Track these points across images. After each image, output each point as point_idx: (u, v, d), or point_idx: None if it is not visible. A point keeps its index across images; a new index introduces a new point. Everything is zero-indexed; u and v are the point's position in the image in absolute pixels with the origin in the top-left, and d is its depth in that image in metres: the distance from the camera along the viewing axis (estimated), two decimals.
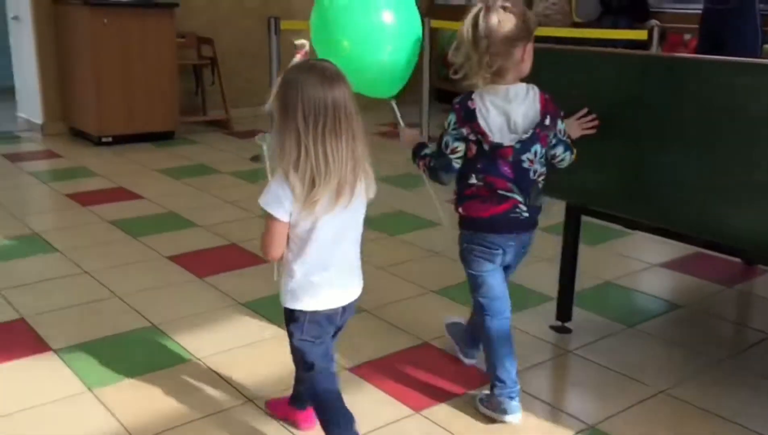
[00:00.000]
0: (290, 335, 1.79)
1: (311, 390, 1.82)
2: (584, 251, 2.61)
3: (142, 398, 2.11)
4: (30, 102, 5.76)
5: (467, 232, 2.03)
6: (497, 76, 1.89)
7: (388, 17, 2.21)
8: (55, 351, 2.36)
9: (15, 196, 4.17)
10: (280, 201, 1.64)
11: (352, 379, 2.23)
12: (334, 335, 1.85)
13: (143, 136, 5.41)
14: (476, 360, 2.31)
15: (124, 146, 5.28)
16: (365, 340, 2.46)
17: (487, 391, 2.05)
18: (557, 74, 2.22)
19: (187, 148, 5.37)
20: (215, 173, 4.71)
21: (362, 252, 1.82)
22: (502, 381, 2.01)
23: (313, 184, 1.60)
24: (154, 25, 5.30)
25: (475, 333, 2.22)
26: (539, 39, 2.02)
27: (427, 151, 2.07)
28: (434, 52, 5.93)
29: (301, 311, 1.74)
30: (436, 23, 5.48)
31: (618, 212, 2.31)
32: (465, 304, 2.44)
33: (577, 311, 2.60)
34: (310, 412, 1.89)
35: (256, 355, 2.37)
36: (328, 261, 1.71)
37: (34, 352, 2.35)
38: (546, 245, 2.66)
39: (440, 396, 2.15)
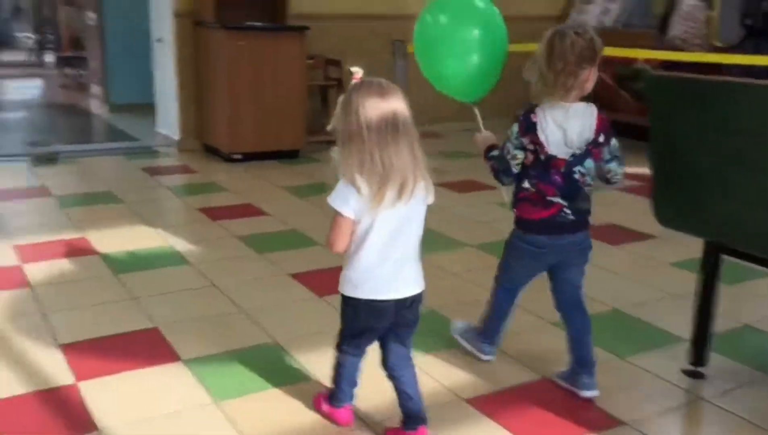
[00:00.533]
0: (343, 327, 2.01)
1: (336, 367, 2.09)
2: (720, 290, 2.44)
3: (264, 413, 2.16)
4: (168, 119, 6.12)
5: (519, 230, 2.26)
6: (564, 93, 2.09)
7: (476, 33, 2.46)
8: (185, 361, 2.46)
9: (152, 208, 4.43)
10: (346, 199, 1.83)
11: (471, 412, 2.19)
12: (399, 335, 1.99)
13: (271, 153, 5.62)
14: (494, 356, 2.44)
15: (252, 163, 5.49)
16: (483, 372, 2.41)
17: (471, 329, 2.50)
18: (691, 106, 2.10)
19: (311, 167, 5.51)
20: None
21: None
22: (487, 331, 2.43)
23: (377, 184, 1.80)
24: (286, 47, 5.51)
25: (487, 326, 2.45)
26: (677, 65, 1.94)
27: (494, 153, 2.30)
28: None
29: (357, 299, 1.91)
30: None
31: (762, 253, 2.15)
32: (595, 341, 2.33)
33: (711, 355, 2.44)
34: (348, 410, 2.12)
35: (375, 377, 2.37)
36: (386, 255, 1.88)
37: (165, 361, 2.47)
38: (674, 281, 2.52)
39: None
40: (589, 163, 2.13)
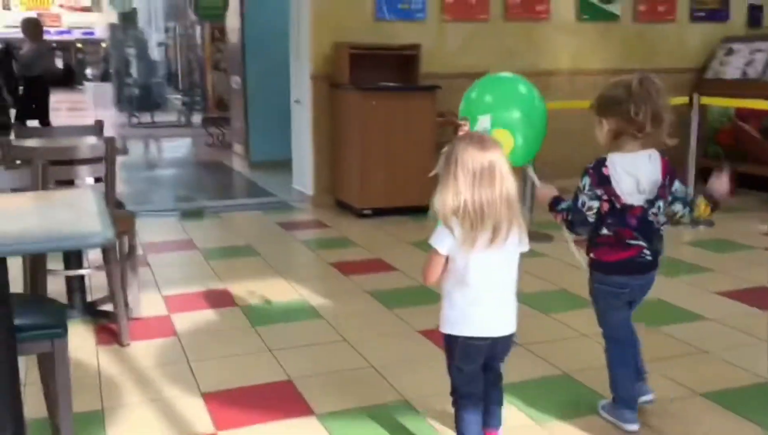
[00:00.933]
0: (447, 360, 2.18)
1: (455, 411, 2.18)
2: None
3: None
4: (303, 175, 6.39)
5: (599, 273, 2.36)
6: (643, 141, 2.23)
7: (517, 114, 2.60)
8: (318, 416, 2.52)
9: (287, 261, 4.61)
10: (441, 239, 2.03)
11: None
12: (490, 366, 2.17)
13: (400, 209, 5.72)
14: (638, 424, 2.36)
15: (382, 219, 5.61)
16: None
17: (610, 401, 2.43)
18: None
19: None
20: None
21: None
22: (621, 397, 2.36)
23: (471, 227, 1.96)
24: (417, 106, 5.64)
25: (619, 390, 2.40)
26: None
27: (563, 205, 2.37)
28: (702, 130, 5.56)
29: (455, 337, 2.08)
30: (705, 99, 5.15)
31: None
32: (746, 415, 2.17)
33: None
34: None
35: None
36: (481, 295, 2.04)
37: (299, 414, 2.53)
38: None
39: None
40: (660, 203, 2.27)
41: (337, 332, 3.31)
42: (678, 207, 2.30)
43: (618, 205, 2.24)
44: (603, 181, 2.24)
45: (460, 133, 2.53)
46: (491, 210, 1.95)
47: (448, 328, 2.10)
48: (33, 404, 2.29)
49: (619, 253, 2.28)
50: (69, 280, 3.38)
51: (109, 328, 3.30)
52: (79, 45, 32.50)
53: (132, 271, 3.46)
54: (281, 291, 3.92)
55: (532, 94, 2.68)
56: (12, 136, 3.53)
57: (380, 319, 3.50)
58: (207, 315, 3.55)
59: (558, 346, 3.14)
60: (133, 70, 16.34)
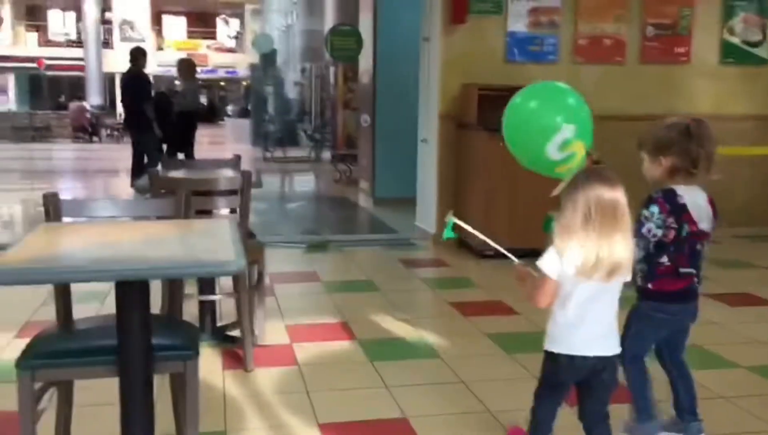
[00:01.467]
0: (542, 376, 2.24)
1: (533, 413, 2.29)
2: None
3: None
4: (426, 213, 6.43)
5: (655, 302, 2.46)
6: (695, 176, 2.41)
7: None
8: None
9: (407, 299, 4.63)
10: (554, 266, 2.06)
11: None
12: (595, 395, 2.18)
13: (523, 251, 5.60)
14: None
15: (504, 260, 5.50)
16: None
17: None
18: None
19: None
20: None
21: None
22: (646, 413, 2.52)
23: (590, 266, 2.01)
24: None
25: (639, 406, 2.56)
26: None
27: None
28: None
29: (557, 354, 2.13)
30: None
31: None
32: None
33: None
34: None
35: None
36: (584, 316, 2.09)
37: None
38: None
39: None
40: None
41: (455, 373, 3.27)
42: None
43: (685, 233, 2.39)
44: (677, 209, 2.38)
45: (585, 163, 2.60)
46: (609, 253, 2.00)
47: (549, 345, 2.17)
48: (163, 421, 2.41)
49: (677, 283, 2.44)
50: (202, 305, 3.56)
51: (235, 352, 3.44)
52: (222, 83, 34.64)
53: (259, 299, 3.60)
54: (399, 328, 3.94)
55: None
56: (160, 168, 3.79)
57: (499, 363, 3.43)
58: (327, 347, 3.62)
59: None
60: (270, 108, 17.19)
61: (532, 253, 5.96)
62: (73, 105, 22.56)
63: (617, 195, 2.02)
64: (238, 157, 4.05)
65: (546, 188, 6.13)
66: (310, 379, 3.18)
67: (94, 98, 27.04)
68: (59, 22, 34.40)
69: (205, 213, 3.31)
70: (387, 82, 8.24)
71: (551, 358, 2.16)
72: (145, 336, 1.83)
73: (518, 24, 5.99)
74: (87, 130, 21.19)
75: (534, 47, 6.04)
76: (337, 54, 9.85)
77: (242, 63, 31.55)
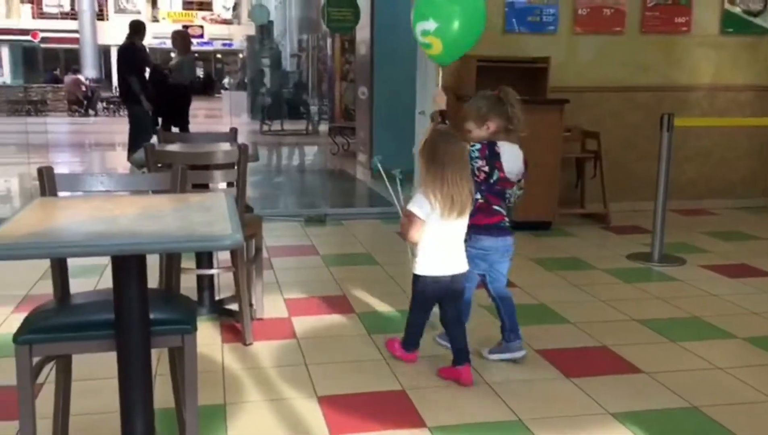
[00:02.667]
0: (413, 295, 2.94)
1: (408, 324, 3.04)
2: None
3: None
4: None
5: (472, 235, 2.94)
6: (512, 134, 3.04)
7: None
8: (430, 428, 2.50)
9: (405, 271, 4.54)
10: (422, 207, 2.71)
11: None
12: (451, 302, 2.90)
13: (522, 224, 5.60)
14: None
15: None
16: None
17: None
18: None
19: (563, 240, 5.40)
20: (589, 268, 4.65)
21: None
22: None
23: (452, 201, 2.67)
24: (543, 119, 5.51)
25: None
26: None
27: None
28: None
29: (424, 276, 2.83)
30: None
31: None
32: None
33: None
34: (415, 354, 3.07)
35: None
36: (441, 247, 2.78)
37: (411, 425, 2.53)
38: None
39: None
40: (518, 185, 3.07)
41: None
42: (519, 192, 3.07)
43: (496, 178, 2.93)
44: (492, 156, 2.93)
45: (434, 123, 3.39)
46: (462, 189, 2.67)
47: (418, 270, 2.84)
48: (161, 395, 2.42)
49: (490, 217, 2.97)
50: (200, 279, 3.55)
51: (233, 326, 3.44)
52: (218, 55, 34.34)
53: (257, 273, 3.59)
54: (398, 300, 3.94)
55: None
56: (155, 141, 3.76)
57: (496, 334, 3.42)
58: (325, 320, 3.63)
59: (687, 377, 2.96)
60: (267, 80, 17.06)
61: (530, 226, 5.98)
62: (68, 78, 22.38)
63: (462, 149, 2.71)
64: (234, 131, 4.01)
65: (546, 163, 6.13)
66: (309, 352, 3.19)
67: (89, 71, 26.84)
68: None
69: (202, 187, 3.29)
70: (385, 54, 8.17)
71: (420, 279, 2.85)
72: (143, 310, 1.83)
73: None
74: (82, 103, 21.05)
75: (533, 18, 5.97)
76: (333, 25, 9.74)
77: (239, 35, 31.26)
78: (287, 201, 7.41)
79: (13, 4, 32.41)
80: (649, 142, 5.21)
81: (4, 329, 3.42)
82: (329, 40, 13.88)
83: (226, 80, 29.22)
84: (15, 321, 3.46)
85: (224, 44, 34.24)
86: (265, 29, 17.07)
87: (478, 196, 2.90)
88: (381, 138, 8.39)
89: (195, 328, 1.96)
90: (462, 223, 2.77)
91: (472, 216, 2.84)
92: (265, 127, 14.96)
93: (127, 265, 1.73)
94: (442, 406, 2.67)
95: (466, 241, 2.89)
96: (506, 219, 3.03)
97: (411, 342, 3.03)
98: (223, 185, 3.47)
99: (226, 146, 3.61)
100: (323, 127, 14.03)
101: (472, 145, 2.91)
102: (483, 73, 5.62)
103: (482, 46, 5.79)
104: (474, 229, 2.92)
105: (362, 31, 9.00)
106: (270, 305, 3.72)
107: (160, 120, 8.43)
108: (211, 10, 35.98)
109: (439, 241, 2.76)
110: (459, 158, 2.67)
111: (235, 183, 3.25)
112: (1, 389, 2.67)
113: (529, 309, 3.82)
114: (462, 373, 2.85)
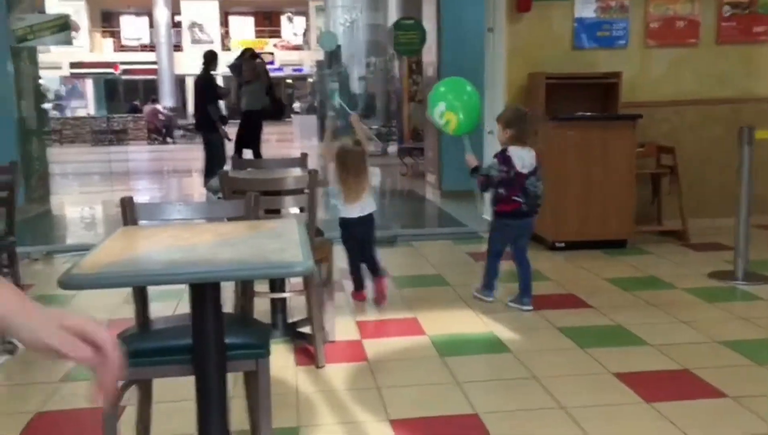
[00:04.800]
0: (342, 238, 4.26)
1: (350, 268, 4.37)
2: None
3: None
4: None
5: (498, 218, 4.10)
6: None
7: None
8: None
9: None
10: (340, 199, 4.12)
11: None
12: (364, 244, 4.24)
13: (595, 243, 5.50)
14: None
15: (575, 252, 5.42)
16: None
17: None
18: None
19: (639, 259, 5.25)
20: (668, 288, 4.50)
21: None
22: (489, 285, 4.29)
23: (350, 196, 4.07)
24: (616, 136, 5.42)
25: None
26: None
27: (481, 171, 4.06)
28: None
29: (342, 217, 4.12)
30: None
31: None
32: None
33: None
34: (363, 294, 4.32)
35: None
36: (352, 212, 4.11)
37: None
38: None
39: None
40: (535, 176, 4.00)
41: (527, 368, 3.23)
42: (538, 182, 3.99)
43: (514, 173, 3.91)
44: (506, 160, 3.92)
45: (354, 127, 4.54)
46: (353, 187, 4.07)
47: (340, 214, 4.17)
48: (237, 417, 2.47)
49: (510, 205, 3.97)
50: (273, 302, 3.62)
51: (306, 349, 3.48)
52: (288, 81, 35.10)
53: (329, 296, 3.63)
54: (469, 322, 3.92)
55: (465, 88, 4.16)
56: (229, 168, 3.87)
57: (572, 358, 3.36)
58: (397, 342, 3.63)
59: None
60: (336, 103, 17.32)
61: (603, 245, 5.85)
62: (148, 107, 23.30)
63: (361, 154, 4.13)
64: (305, 156, 4.09)
65: (619, 180, 5.99)
66: (381, 375, 3.19)
67: (166, 100, 27.89)
68: (132, 28, 35.57)
69: (274, 212, 3.36)
70: (452, 74, 8.16)
71: (341, 222, 4.15)
72: (219, 336, 1.88)
73: (586, 9, 5.85)
74: (161, 131, 21.86)
75: (603, 33, 5.88)
76: (401, 48, 9.85)
77: (308, 60, 31.91)
78: None
79: (95, 38, 34.08)
80: (729, 156, 5.02)
81: None
82: (397, 62, 14.01)
83: (296, 104, 29.81)
84: None
85: (294, 69, 35.00)
86: (333, 54, 17.39)
87: (502, 190, 3.95)
88: (449, 158, 8.37)
89: (268, 353, 2.00)
90: (367, 206, 4.16)
91: (496, 204, 4.03)
92: None
93: (204, 292, 1.78)
94: (515, 432, 2.63)
95: (493, 222, 4.19)
96: (525, 206, 3.95)
97: (356, 283, 4.33)
98: (295, 210, 3.54)
99: (296, 172, 3.69)
100: (392, 148, 14.11)
101: (493, 157, 4.04)
102: (552, 90, 5.57)
103: (550, 63, 5.78)
104: (499, 215, 4.05)
105: (429, 53, 9.05)
106: (341, 328, 3.75)
107: (232, 143, 8.70)
108: (280, 36, 36.88)
109: (349, 209, 4.16)
110: (359, 164, 4.10)
111: (306, 208, 3.30)
112: (84, 411, 2.78)
113: (605, 330, 3.73)
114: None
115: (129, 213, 2.23)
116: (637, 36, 5.95)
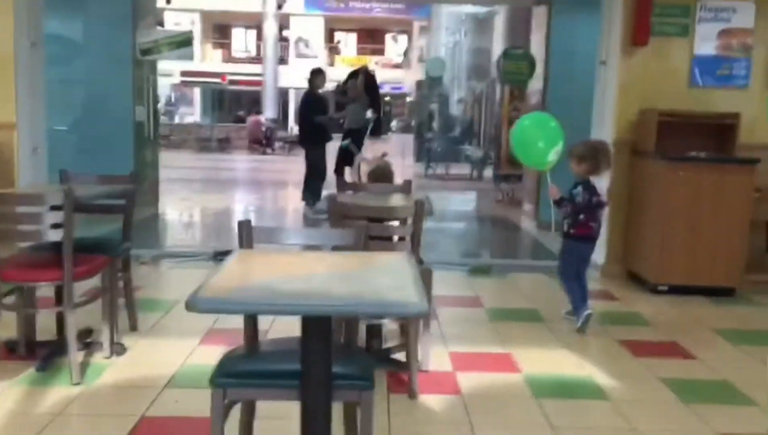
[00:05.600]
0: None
1: None
2: None
3: None
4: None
5: (574, 241, 4.45)
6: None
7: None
8: None
9: (572, 331, 4.46)
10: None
11: None
12: None
13: (701, 289, 5.26)
14: None
15: (679, 297, 5.20)
16: None
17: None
18: None
19: (749, 310, 4.99)
20: None
21: None
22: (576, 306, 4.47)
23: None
24: (731, 179, 5.19)
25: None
26: None
27: (564, 201, 4.37)
28: None
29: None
30: None
31: None
32: None
33: None
34: None
35: None
36: None
37: None
38: None
39: None
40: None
41: (625, 419, 3.12)
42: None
43: (596, 201, 4.33)
44: (591, 189, 4.31)
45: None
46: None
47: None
48: None
49: (587, 229, 4.37)
50: (369, 328, 3.65)
51: (398, 376, 3.48)
52: (387, 98, 35.51)
53: (425, 325, 3.62)
54: (564, 363, 3.82)
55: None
56: (335, 192, 3.94)
57: (673, 413, 3.22)
58: (491, 378, 3.58)
59: None
60: (434, 124, 17.41)
61: (711, 292, 5.61)
62: (251, 118, 24.13)
63: (389, 168, 4.66)
64: (408, 183, 4.12)
65: (731, 225, 5.73)
66: (474, 410, 3.16)
67: (269, 112, 28.77)
68: (242, 40, 37.00)
69: (377, 239, 3.39)
70: (557, 104, 8.03)
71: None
72: (327, 366, 1.91)
73: (706, 46, 5.64)
74: (262, 142, 22.57)
75: (722, 71, 5.65)
76: (509, 77, 9.80)
77: (408, 79, 32.20)
78: (451, 248, 7.44)
79: (206, 48, 35.61)
80: None
81: (192, 360, 3.69)
82: (498, 87, 13.94)
83: (393, 122, 30.13)
84: (200, 353, 3.75)
85: (393, 87, 35.42)
86: (435, 76, 17.49)
87: (582, 216, 4.33)
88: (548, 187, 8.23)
89: (372, 385, 2.02)
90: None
91: (574, 227, 4.36)
92: (430, 170, 15.21)
93: (317, 324, 1.82)
94: None
95: (568, 244, 4.47)
96: (595, 232, 4.39)
97: None
98: (396, 238, 3.56)
99: (403, 200, 3.71)
100: (488, 173, 14.02)
101: (575, 188, 4.35)
102: (665, 127, 5.40)
103: (664, 100, 5.61)
104: (574, 238, 4.41)
105: (535, 80, 8.96)
106: (435, 357, 3.73)
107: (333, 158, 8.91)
108: (383, 54, 37.43)
109: None
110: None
111: (410, 237, 3.32)
112: (189, 419, 2.88)
113: (710, 386, 3.56)
114: None
115: (246, 236, 2.31)
116: (760, 75, 5.69)
